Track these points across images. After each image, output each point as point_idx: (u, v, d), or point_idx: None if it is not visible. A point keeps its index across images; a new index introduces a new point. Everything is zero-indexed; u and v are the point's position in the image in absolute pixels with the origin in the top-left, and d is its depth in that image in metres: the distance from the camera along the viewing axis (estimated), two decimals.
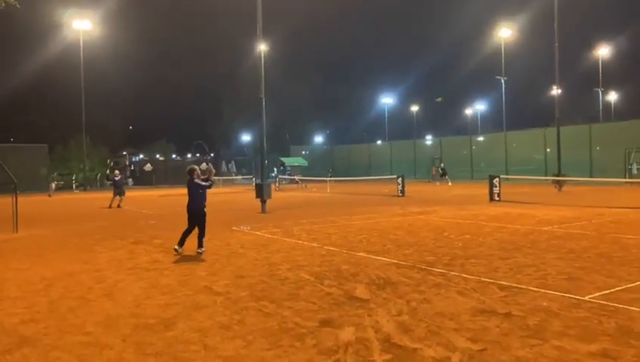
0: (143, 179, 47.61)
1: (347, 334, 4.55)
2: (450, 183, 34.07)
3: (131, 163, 59.39)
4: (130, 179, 48.69)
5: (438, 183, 34.86)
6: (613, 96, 62.95)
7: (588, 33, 61.15)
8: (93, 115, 45.36)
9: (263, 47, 18.44)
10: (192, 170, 9.10)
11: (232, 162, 64.52)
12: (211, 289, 6.39)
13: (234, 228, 12.57)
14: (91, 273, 7.55)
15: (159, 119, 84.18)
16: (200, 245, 8.97)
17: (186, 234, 9.03)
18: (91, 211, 19.64)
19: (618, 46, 57.42)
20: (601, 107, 56.09)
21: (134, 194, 32.45)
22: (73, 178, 41.64)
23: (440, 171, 35.92)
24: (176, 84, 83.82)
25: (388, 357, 4.01)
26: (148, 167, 49.86)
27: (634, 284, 6.04)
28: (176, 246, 8.95)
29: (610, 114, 59.37)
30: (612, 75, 58.56)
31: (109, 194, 21.35)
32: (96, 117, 49.73)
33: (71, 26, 40.11)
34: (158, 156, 62.17)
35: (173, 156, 66.13)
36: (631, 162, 30.09)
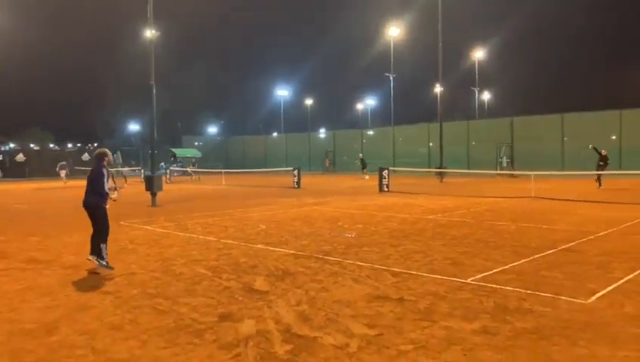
0: (14, 171, 43.12)
1: (247, 327, 4.50)
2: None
3: None
4: None
5: (367, 177, 31.17)
6: (486, 96, 68.89)
7: (467, 35, 66.34)
8: None
9: (153, 32, 17.51)
10: (103, 154, 7.10)
11: (118, 152, 60.69)
12: (98, 288, 5.96)
13: (121, 222, 11.83)
14: None
15: (32, 104, 76.60)
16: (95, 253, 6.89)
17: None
18: None
19: (493, 48, 62.97)
20: (477, 105, 61.10)
21: (4, 188, 29.30)
22: None
23: (360, 163, 34.15)
24: (54, 66, 76.84)
25: (289, 347, 4.03)
26: (20, 157, 45.23)
27: (507, 266, 6.68)
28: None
29: (485, 111, 64.93)
30: (486, 75, 64.10)
31: None
32: None
33: None
34: (32, 145, 56.51)
35: (51, 145, 60.50)
36: (501, 156, 33.37)
